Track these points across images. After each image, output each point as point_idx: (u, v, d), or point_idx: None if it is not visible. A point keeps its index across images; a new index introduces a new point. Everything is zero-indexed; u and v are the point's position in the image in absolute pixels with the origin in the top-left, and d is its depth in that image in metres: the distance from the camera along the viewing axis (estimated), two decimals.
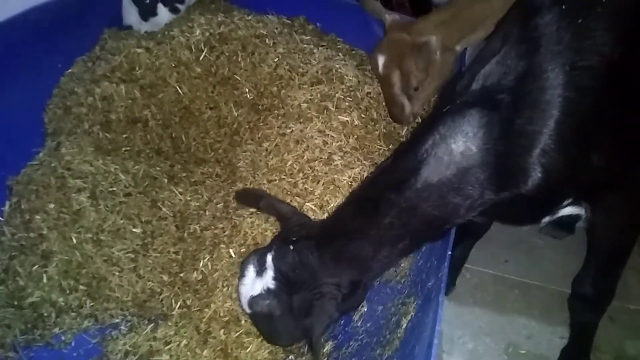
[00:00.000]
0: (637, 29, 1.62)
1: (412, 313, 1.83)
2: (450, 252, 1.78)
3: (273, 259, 1.76)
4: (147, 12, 3.04)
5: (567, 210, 1.82)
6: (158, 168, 2.83)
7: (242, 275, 1.85)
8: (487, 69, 1.65)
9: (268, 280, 1.77)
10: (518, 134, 1.60)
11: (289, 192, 2.48)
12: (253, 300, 1.79)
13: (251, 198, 2.18)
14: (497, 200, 1.67)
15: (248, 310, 1.85)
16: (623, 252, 1.98)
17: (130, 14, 3.04)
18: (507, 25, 1.75)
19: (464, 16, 2.71)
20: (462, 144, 1.62)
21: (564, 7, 1.61)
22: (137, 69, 2.88)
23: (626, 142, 1.72)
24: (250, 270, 1.81)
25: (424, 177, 1.63)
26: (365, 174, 2.51)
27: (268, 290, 1.76)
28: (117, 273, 2.43)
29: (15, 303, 2.26)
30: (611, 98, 1.63)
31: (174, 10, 3.15)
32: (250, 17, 3.14)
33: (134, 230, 2.55)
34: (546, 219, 1.86)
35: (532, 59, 1.60)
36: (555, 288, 2.81)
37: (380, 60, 2.67)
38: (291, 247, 1.75)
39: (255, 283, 1.79)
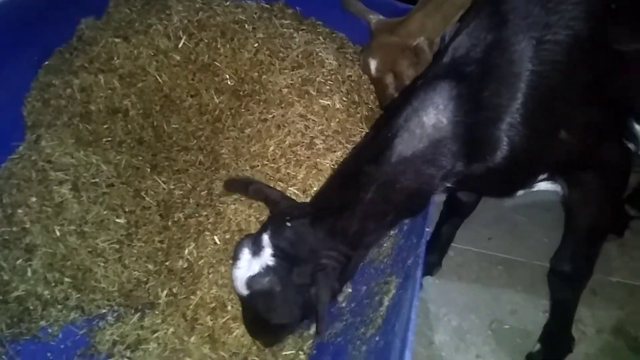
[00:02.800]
0: (607, 4, 1.60)
1: (394, 291, 1.83)
2: (427, 229, 1.77)
3: (270, 237, 1.74)
4: None
5: (543, 186, 1.82)
6: (140, 158, 2.79)
7: (236, 258, 1.82)
8: (457, 41, 1.65)
9: (267, 258, 1.74)
10: (486, 107, 1.60)
11: (271, 178, 2.47)
12: (252, 280, 1.75)
13: (239, 185, 2.15)
14: (469, 172, 1.68)
15: (246, 292, 1.79)
16: (599, 229, 1.98)
17: None
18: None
19: (446, 6, 2.69)
20: (433, 116, 1.62)
21: None
22: (115, 58, 2.82)
23: (596, 119, 1.71)
24: (245, 252, 1.79)
25: (399, 150, 1.64)
26: None
27: (267, 268, 1.73)
28: (102, 264, 2.39)
29: (0, 297, 2.22)
30: (580, 74, 1.62)
31: None
32: (228, 3, 3.08)
33: (117, 220, 2.52)
34: (521, 192, 1.85)
35: (500, 32, 1.59)
36: (538, 263, 2.82)
37: (373, 64, 2.71)
38: (288, 224, 1.74)
39: (252, 263, 1.76)
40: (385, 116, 1.81)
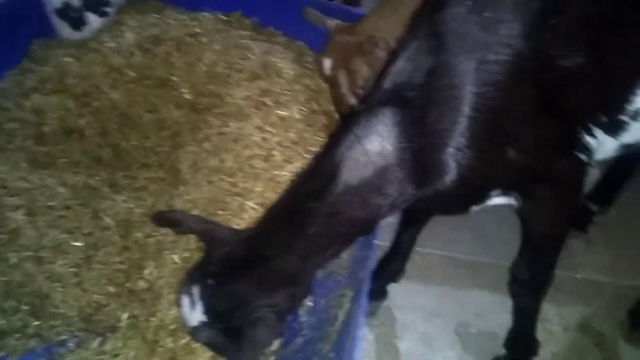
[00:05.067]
0: (547, 19, 1.57)
1: (348, 305, 1.79)
2: (375, 240, 1.73)
3: (200, 292, 1.68)
4: (77, 23, 2.91)
5: (497, 200, 1.79)
6: (98, 178, 2.71)
7: (179, 304, 1.78)
8: (397, 65, 1.59)
9: (199, 315, 1.69)
10: (431, 132, 1.56)
11: (229, 192, 2.43)
12: (193, 332, 1.73)
13: (169, 220, 2.04)
14: (419, 196, 1.63)
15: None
16: (556, 238, 1.98)
17: (63, 29, 2.93)
18: (417, 18, 1.68)
19: (402, 9, 2.66)
20: (377, 143, 1.57)
21: (469, 2, 1.55)
22: (67, 78, 2.75)
23: (545, 136, 1.67)
24: (185, 302, 1.72)
25: (344, 181, 1.58)
26: None
27: (203, 323, 1.69)
28: (60, 289, 2.32)
29: None
30: (524, 92, 1.58)
31: (103, 14, 3.04)
32: (184, 17, 3.04)
33: (75, 243, 2.44)
34: (475, 208, 1.82)
35: (440, 55, 1.54)
36: (502, 263, 2.75)
37: (327, 62, 2.65)
38: (210, 282, 1.66)
39: (191, 315, 1.71)
40: (325, 147, 1.73)
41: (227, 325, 1.68)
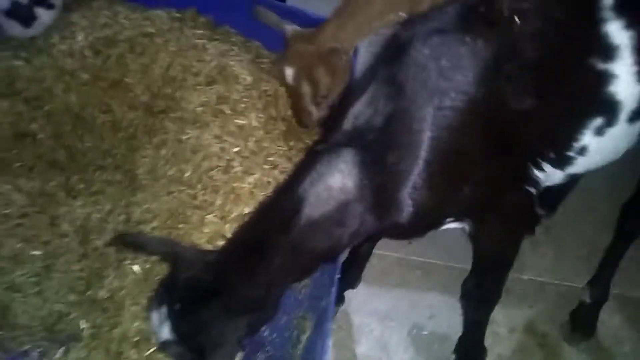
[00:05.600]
0: (499, 66, 1.74)
1: (309, 332, 1.96)
2: (338, 276, 1.90)
3: (167, 313, 1.78)
4: (27, 20, 2.91)
5: (451, 226, 1.99)
6: (54, 182, 2.81)
7: (149, 318, 1.89)
8: (356, 108, 1.77)
9: (166, 332, 1.80)
10: (390, 172, 1.74)
11: (189, 205, 2.55)
12: (162, 346, 1.84)
13: (131, 243, 2.12)
14: (379, 227, 1.82)
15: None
16: (503, 261, 2.20)
17: (12, 27, 2.92)
18: (376, 62, 1.85)
19: (359, 17, 2.79)
20: (339, 180, 1.74)
21: (427, 50, 1.71)
22: (18, 82, 2.80)
23: (497, 173, 1.88)
24: (154, 318, 1.83)
25: (307, 215, 1.74)
26: (266, 179, 2.60)
27: (170, 341, 1.80)
28: (21, 299, 2.42)
29: None
30: (479, 134, 1.77)
31: (51, 6, 3.04)
32: (136, 15, 3.07)
33: (33, 252, 2.54)
34: (429, 232, 2.01)
35: (399, 102, 1.71)
36: (454, 265, 3.07)
37: (289, 72, 2.77)
38: (177, 306, 1.76)
39: (160, 330, 1.82)
40: (288, 182, 1.88)
41: (191, 346, 1.79)
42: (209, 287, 1.77)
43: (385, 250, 3.07)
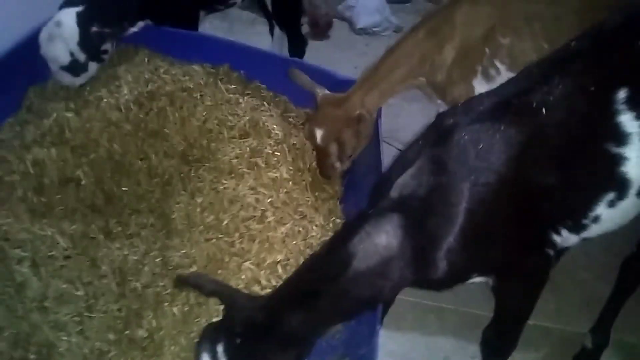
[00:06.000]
0: (528, 150, 1.96)
1: None
2: (379, 327, 2.11)
3: (224, 351, 1.94)
4: (80, 72, 3.13)
5: (476, 280, 2.20)
6: (94, 225, 2.92)
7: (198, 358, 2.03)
8: (403, 179, 2.00)
9: None
10: (429, 235, 1.96)
11: (227, 252, 2.70)
12: None
13: (193, 284, 2.26)
14: (415, 280, 2.04)
15: None
16: (522, 313, 2.40)
17: (63, 77, 3.14)
18: (422, 141, 2.08)
19: (384, 83, 3.03)
20: (384, 239, 1.95)
21: (467, 136, 1.95)
22: (67, 131, 2.97)
23: (521, 238, 2.10)
24: (205, 358, 1.98)
25: (355, 267, 1.94)
26: (297, 228, 2.78)
27: None
28: (64, 338, 2.52)
29: None
30: (508, 207, 1.99)
31: (101, 61, 3.28)
32: (175, 70, 3.28)
33: (76, 293, 2.65)
34: (457, 285, 2.22)
35: (440, 177, 1.94)
36: (466, 310, 3.22)
37: (319, 133, 3.01)
38: (238, 341, 1.93)
39: None
40: (339, 239, 2.08)
41: None
42: (263, 325, 1.94)
43: (401, 295, 3.21)
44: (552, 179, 2.01)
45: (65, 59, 3.11)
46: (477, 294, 3.05)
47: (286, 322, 1.96)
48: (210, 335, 2.06)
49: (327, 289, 1.95)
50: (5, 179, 2.83)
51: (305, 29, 4.96)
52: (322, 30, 5.31)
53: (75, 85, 3.20)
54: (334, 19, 5.60)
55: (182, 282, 2.28)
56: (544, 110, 1.97)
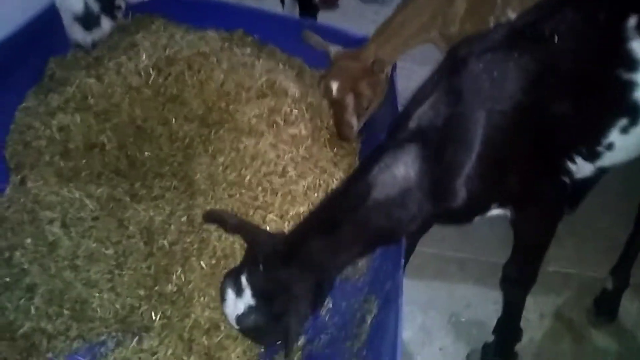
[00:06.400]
0: (541, 77, 1.97)
1: (375, 311, 2.16)
2: (403, 260, 2.13)
3: (248, 279, 2.03)
4: (91, 25, 3.16)
5: (495, 212, 2.20)
6: (119, 188, 2.97)
7: (222, 298, 2.11)
8: (421, 110, 1.99)
9: (248, 299, 2.03)
10: (447, 164, 1.96)
11: (250, 206, 2.71)
12: (240, 319, 2.06)
13: (218, 218, 2.35)
14: (434, 212, 2.03)
15: (237, 327, 2.12)
16: (541, 246, 2.39)
17: (75, 31, 3.15)
18: (438, 73, 2.09)
19: (397, 38, 3.03)
20: (403, 170, 1.96)
21: (481, 64, 1.95)
22: (89, 97, 2.99)
23: (537, 166, 2.10)
24: (230, 293, 2.07)
25: (374, 197, 1.96)
26: (318, 182, 2.80)
27: (250, 307, 2.03)
28: (96, 294, 2.58)
29: (8, 336, 2.41)
30: (523, 133, 1.99)
31: (114, 17, 3.32)
32: (191, 36, 3.29)
33: (106, 252, 2.71)
34: (477, 219, 2.23)
35: (457, 107, 1.95)
36: (486, 259, 3.22)
37: (334, 85, 2.98)
38: (261, 267, 2.01)
39: (237, 303, 2.05)
40: (359, 171, 2.12)
41: (271, 305, 2.01)
42: (286, 255, 2.01)
43: (421, 247, 3.21)
44: (565, 106, 2.00)
45: (79, 8, 3.11)
46: (496, 243, 3.06)
47: (306, 249, 2.00)
48: (232, 273, 2.14)
49: (346, 219, 1.97)
50: (32, 144, 2.86)
51: None
52: (330, 1, 5.29)
53: (89, 44, 3.21)
54: None
55: (209, 217, 2.36)
56: (556, 39, 1.96)
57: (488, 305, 3.02)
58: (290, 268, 2.00)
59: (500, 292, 2.62)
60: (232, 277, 2.11)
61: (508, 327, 2.67)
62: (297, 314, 1.99)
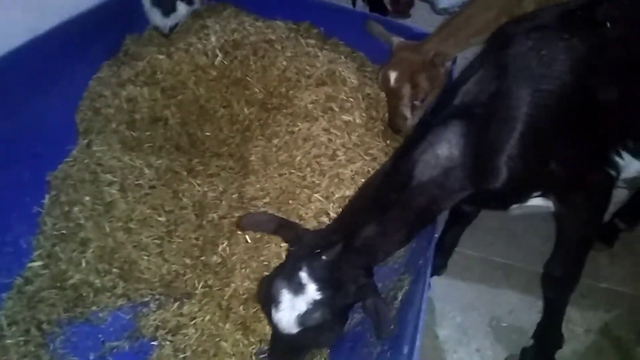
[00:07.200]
0: (590, 60, 1.89)
1: (406, 287, 2.11)
2: (436, 235, 2.07)
3: (310, 273, 1.88)
4: (168, 10, 3.29)
5: (535, 201, 2.11)
6: (178, 162, 3.05)
7: (274, 301, 1.91)
8: (466, 87, 1.94)
9: (312, 293, 1.87)
10: (490, 143, 1.90)
11: (298, 185, 2.72)
12: (304, 317, 1.87)
13: (254, 224, 2.23)
14: (474, 192, 1.96)
15: (296, 330, 1.90)
16: (586, 240, 2.26)
17: (154, 15, 3.29)
18: (485, 50, 2.04)
19: (460, 34, 2.98)
20: (446, 149, 1.91)
21: (530, 42, 1.90)
22: (158, 73, 3.11)
23: (581, 153, 2.00)
24: (285, 294, 1.89)
25: (418, 178, 1.91)
26: (366, 168, 2.77)
27: (315, 302, 1.87)
28: (145, 257, 2.66)
29: (58, 285, 2.51)
30: (568, 116, 1.91)
31: (190, 2, 3.44)
32: (259, 23, 3.37)
33: (159, 218, 2.79)
34: (515, 206, 2.14)
35: (502, 82, 1.89)
36: (533, 268, 3.04)
37: (392, 75, 2.93)
38: (324, 257, 1.89)
39: (297, 302, 1.88)
40: (403, 150, 2.06)
41: (336, 297, 1.89)
42: (346, 240, 1.92)
43: (467, 249, 3.15)
44: (612, 94, 1.91)
45: None
46: (546, 253, 2.92)
47: (363, 234, 1.93)
48: (277, 276, 1.97)
49: (393, 199, 1.93)
50: (101, 111, 2.98)
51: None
52: (402, 9, 5.28)
53: (166, 27, 3.33)
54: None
55: (245, 225, 2.22)
56: (608, 24, 1.89)
57: (532, 315, 2.87)
58: (351, 257, 1.91)
59: None
60: (283, 279, 1.93)
61: (548, 331, 2.53)
62: (373, 292, 1.88)
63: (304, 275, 1.88)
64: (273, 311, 1.91)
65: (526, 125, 1.86)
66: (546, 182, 2.03)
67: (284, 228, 2.09)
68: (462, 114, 1.92)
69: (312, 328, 1.88)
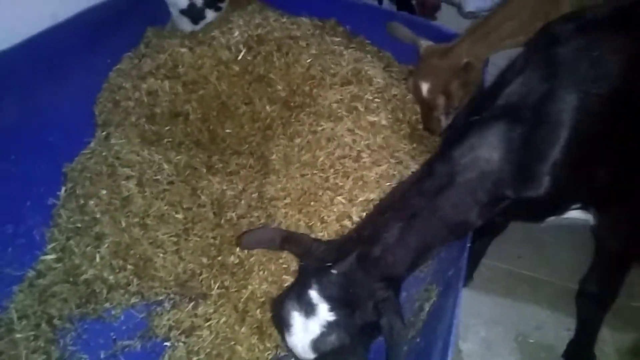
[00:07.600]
0: None
1: (434, 298, 2.00)
2: (469, 244, 1.94)
3: (320, 291, 1.74)
4: (198, 18, 3.23)
5: (574, 214, 1.98)
6: (197, 159, 2.98)
7: (286, 325, 1.79)
8: (511, 87, 1.82)
9: (325, 315, 1.74)
10: (534, 147, 1.77)
11: (320, 186, 2.62)
12: (318, 342, 1.73)
13: (257, 241, 2.10)
14: (514, 200, 1.84)
15: (312, 355, 1.76)
16: (626, 257, 2.13)
17: (182, 22, 3.24)
18: (530, 49, 1.91)
19: (492, 36, 2.86)
20: (487, 152, 1.79)
21: (583, 41, 1.78)
22: (180, 66, 3.04)
23: (630, 162, 1.87)
24: (295, 317, 1.77)
25: (456, 181, 1.80)
26: (391, 172, 2.66)
27: (329, 324, 1.73)
28: (161, 255, 2.59)
29: (71, 279, 2.44)
30: (618, 122, 1.79)
31: (218, 9, 3.37)
32: (284, 19, 3.28)
33: (176, 215, 2.71)
34: (552, 218, 2.01)
35: (551, 83, 1.76)
36: (562, 284, 2.95)
37: (425, 86, 2.85)
38: (334, 272, 1.76)
39: (309, 325, 1.75)
40: (441, 153, 1.94)
41: (353, 315, 1.73)
42: (363, 250, 1.78)
43: (494, 261, 3.03)
44: None
45: (184, 3, 3.20)
46: (575, 268, 2.78)
47: (383, 242, 1.79)
48: (287, 296, 1.85)
49: (423, 206, 1.81)
50: (121, 103, 2.91)
51: None
52: (429, 12, 5.16)
53: (195, 30, 3.28)
54: (442, 3, 5.44)
55: (245, 244, 2.11)
56: None
57: (560, 331, 2.75)
58: (366, 269, 1.76)
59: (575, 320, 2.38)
60: (292, 299, 1.79)
61: (580, 350, 2.40)
62: (395, 313, 1.71)
63: (313, 293, 1.75)
64: (286, 336, 1.79)
65: (573, 131, 1.74)
66: (590, 193, 1.92)
67: (291, 242, 1.95)
68: (506, 116, 1.81)
69: (329, 353, 1.73)
